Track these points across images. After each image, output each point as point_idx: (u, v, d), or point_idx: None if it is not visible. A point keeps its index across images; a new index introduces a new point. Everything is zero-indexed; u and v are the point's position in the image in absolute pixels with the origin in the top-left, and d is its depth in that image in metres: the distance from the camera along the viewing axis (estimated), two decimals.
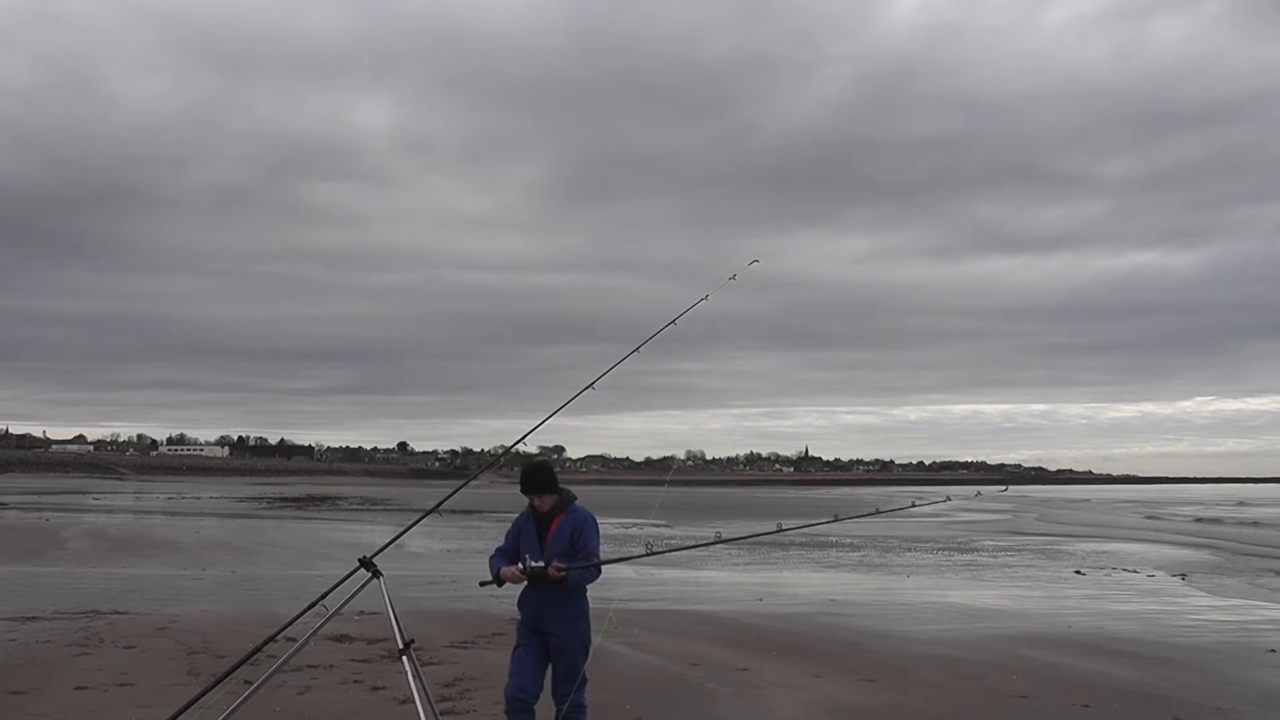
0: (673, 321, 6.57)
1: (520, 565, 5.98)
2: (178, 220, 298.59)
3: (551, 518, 6.11)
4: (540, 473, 6.21)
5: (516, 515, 6.32)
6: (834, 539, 35.47)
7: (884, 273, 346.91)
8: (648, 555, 7.98)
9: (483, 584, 6.18)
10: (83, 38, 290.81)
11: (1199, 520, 53.04)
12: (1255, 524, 49.03)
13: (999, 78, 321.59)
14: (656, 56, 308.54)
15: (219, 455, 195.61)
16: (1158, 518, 56.09)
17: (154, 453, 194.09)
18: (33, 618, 12.36)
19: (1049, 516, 57.30)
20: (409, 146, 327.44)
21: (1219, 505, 77.87)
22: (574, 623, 6.03)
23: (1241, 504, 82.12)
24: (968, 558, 27.97)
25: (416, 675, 5.05)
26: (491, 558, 6.20)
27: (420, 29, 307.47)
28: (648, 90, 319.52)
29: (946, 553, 29.70)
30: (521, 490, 6.20)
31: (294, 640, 5.27)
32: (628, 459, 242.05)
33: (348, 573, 5.44)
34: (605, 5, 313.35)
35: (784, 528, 7.90)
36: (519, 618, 6.18)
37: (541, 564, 5.92)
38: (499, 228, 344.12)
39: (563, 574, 5.93)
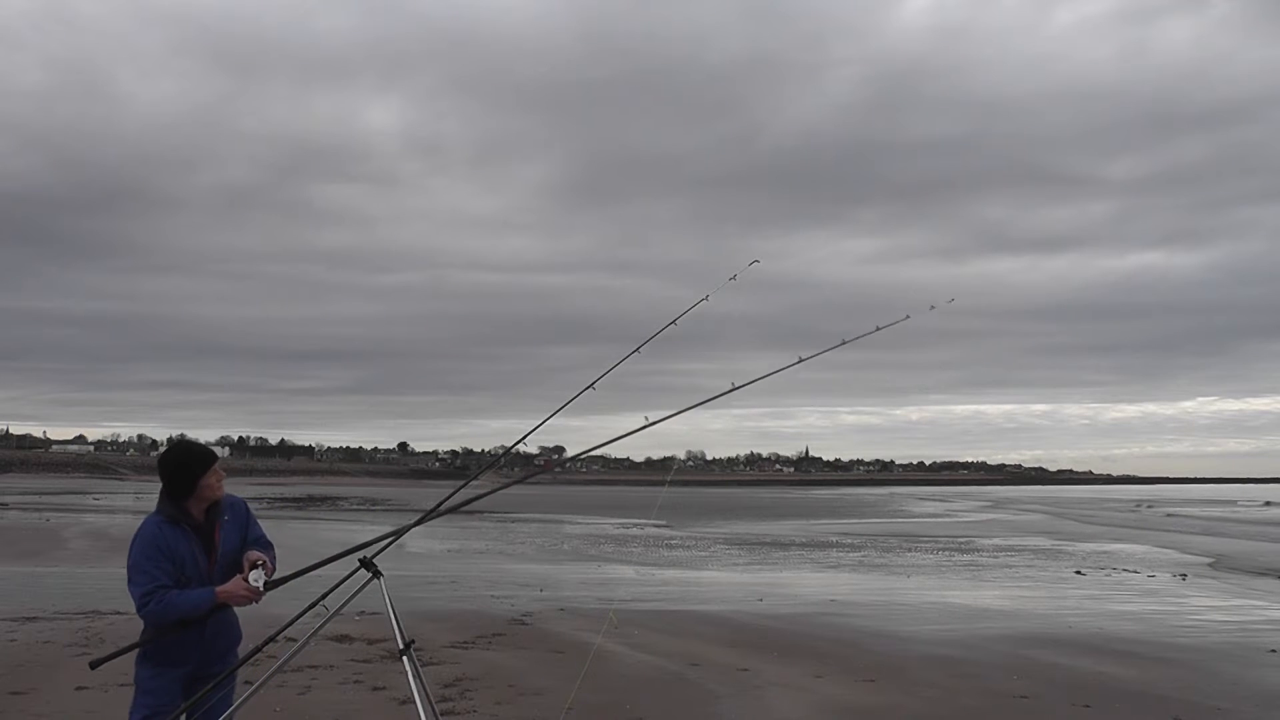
0: (673, 322, 6.57)
1: (250, 580, 4.61)
2: (185, 221, 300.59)
3: (211, 523, 4.85)
4: (206, 457, 4.91)
5: (155, 536, 4.60)
6: (834, 539, 35.48)
7: (889, 273, 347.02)
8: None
9: (176, 622, 4.51)
10: (93, 39, 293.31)
11: (1200, 521, 53.02)
12: (1256, 524, 49.02)
13: (1006, 79, 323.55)
14: (665, 58, 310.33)
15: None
16: (1158, 518, 56.04)
17: (154, 453, 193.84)
18: (33, 618, 12.37)
19: (1049, 526, 57.25)
20: (417, 147, 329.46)
21: (1220, 506, 77.87)
22: (235, 650, 4.87)
23: (1242, 504, 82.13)
24: (968, 558, 27.95)
25: (417, 675, 5.03)
26: (165, 596, 4.47)
27: (429, 31, 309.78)
28: (656, 92, 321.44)
29: (947, 553, 29.68)
30: (175, 488, 4.74)
31: (294, 640, 5.26)
32: (628, 459, 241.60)
33: (348, 573, 5.43)
34: (614, 7, 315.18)
35: None
36: (156, 670, 4.61)
37: (262, 577, 4.67)
38: (505, 228, 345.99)
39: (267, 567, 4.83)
